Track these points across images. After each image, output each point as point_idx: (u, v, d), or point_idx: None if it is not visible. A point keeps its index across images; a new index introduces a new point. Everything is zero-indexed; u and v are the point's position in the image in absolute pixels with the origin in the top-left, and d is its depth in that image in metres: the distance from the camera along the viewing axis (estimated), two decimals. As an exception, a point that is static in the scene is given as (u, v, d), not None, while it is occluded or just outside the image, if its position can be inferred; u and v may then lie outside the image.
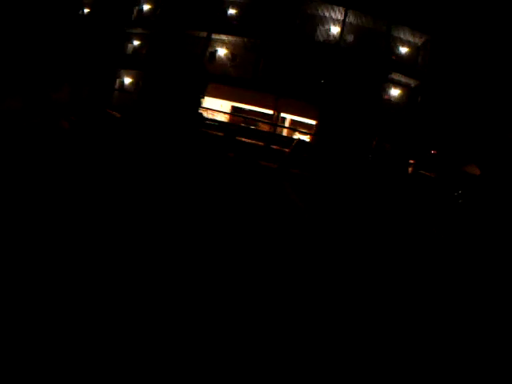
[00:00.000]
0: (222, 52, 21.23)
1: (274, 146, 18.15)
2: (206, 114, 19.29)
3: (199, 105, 15.84)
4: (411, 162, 20.04)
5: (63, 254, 3.56)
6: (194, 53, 20.17)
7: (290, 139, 19.07)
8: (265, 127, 19.24)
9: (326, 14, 20.77)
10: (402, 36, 21.63)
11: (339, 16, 20.49)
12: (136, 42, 24.67)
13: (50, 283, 3.06)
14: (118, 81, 24.42)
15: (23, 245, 3.53)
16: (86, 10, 27.71)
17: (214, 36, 20.95)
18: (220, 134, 18.25)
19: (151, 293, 3.24)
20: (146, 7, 24.56)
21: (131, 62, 23.59)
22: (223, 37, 20.93)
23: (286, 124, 20.86)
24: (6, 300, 2.69)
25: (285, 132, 19.96)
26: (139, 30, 24.26)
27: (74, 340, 2.46)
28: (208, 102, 19.43)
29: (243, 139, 17.86)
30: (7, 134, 9.78)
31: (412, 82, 21.12)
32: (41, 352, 2.30)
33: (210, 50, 21.04)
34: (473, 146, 22.89)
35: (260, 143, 18.01)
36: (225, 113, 19.39)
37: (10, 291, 2.81)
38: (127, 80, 24.05)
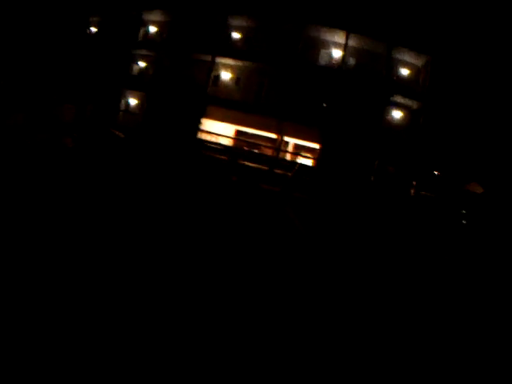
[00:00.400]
0: (226, 76, 21.62)
1: (277, 170, 18.42)
2: (209, 138, 19.63)
3: (198, 129, 16.30)
4: (413, 183, 20.25)
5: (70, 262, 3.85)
6: (194, 77, 20.54)
7: (292, 163, 19.36)
8: (268, 151, 19.54)
9: (328, 38, 21.15)
10: (402, 58, 21.94)
11: (341, 40, 20.84)
12: (142, 64, 25.16)
13: (57, 283, 3.32)
14: (123, 101, 24.87)
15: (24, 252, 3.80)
16: (94, 29, 28.33)
17: (219, 60, 21.36)
18: (223, 157, 18.62)
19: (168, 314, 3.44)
20: (153, 29, 25.10)
21: (136, 83, 24.04)
22: (227, 60, 21.34)
23: (289, 148, 21.16)
24: (9, 299, 2.88)
25: (288, 156, 20.26)
26: (145, 52, 24.75)
27: (74, 339, 2.58)
28: (212, 125, 19.78)
29: (246, 163, 18.16)
30: (11, 148, 10.12)
31: (413, 104, 21.36)
32: (41, 351, 2.42)
33: (215, 73, 21.44)
34: (475, 165, 23.10)
35: (263, 167, 18.27)
36: (228, 137, 19.73)
37: (16, 290, 3.02)
38: (132, 101, 24.51)
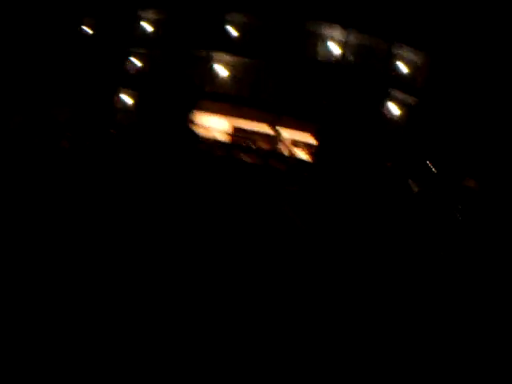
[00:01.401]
0: (222, 71, 21.37)
1: (274, 165, 18.05)
2: (205, 132, 19.28)
3: (187, 121, 15.80)
4: (410, 178, 19.95)
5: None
6: (189, 73, 20.29)
7: (290, 158, 19.01)
8: (265, 146, 19.22)
9: (327, 34, 20.97)
10: (402, 54, 21.78)
11: (340, 35, 20.67)
12: (137, 62, 24.85)
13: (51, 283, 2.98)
14: (118, 100, 24.52)
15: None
16: (88, 29, 28.04)
17: (215, 55, 21.11)
18: (218, 152, 18.21)
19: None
20: (148, 27, 24.84)
21: (132, 81, 23.71)
22: (224, 56, 21.09)
23: (287, 143, 20.86)
24: (7, 300, 2.63)
25: (285, 151, 19.92)
26: (140, 50, 24.48)
27: (72, 341, 2.42)
28: (208, 120, 19.49)
29: (242, 157, 17.79)
30: (7, 150, 9.65)
31: (412, 100, 21.18)
32: (40, 352, 2.24)
33: (211, 68, 21.18)
34: (472, 161, 22.88)
35: (259, 162, 17.91)
36: (224, 131, 19.42)
37: (10, 292, 2.73)
38: (128, 99, 24.14)
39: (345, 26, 20.15)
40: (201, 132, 19.35)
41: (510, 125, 24.21)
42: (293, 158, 18.88)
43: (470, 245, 11.54)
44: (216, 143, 18.97)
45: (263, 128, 19.81)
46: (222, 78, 21.36)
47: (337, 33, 20.61)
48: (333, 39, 21.02)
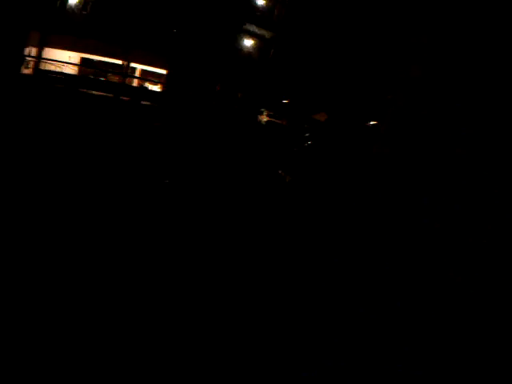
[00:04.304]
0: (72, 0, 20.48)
1: (124, 98, 18.49)
2: (53, 68, 18.97)
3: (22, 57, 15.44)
4: (264, 110, 21.45)
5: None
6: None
7: (139, 89, 19.48)
8: (115, 78, 19.29)
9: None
10: (258, -12, 22.18)
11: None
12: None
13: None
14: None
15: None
16: None
17: (64, -16, 20.08)
18: (59, 85, 18.16)
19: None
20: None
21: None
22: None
23: (137, 74, 21.01)
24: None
25: (135, 82, 20.16)
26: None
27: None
28: (55, 53, 19.02)
29: (89, 91, 17.95)
30: None
31: (267, 34, 22.02)
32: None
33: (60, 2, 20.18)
34: (323, 96, 24.78)
35: (109, 95, 18.20)
36: (73, 64, 19.07)
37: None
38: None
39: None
40: (48, 67, 19.02)
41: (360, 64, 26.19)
42: (142, 89, 19.37)
43: (314, 167, 12.89)
44: (62, 76, 18.77)
45: (112, 59, 19.65)
46: (71, 9, 20.51)
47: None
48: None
